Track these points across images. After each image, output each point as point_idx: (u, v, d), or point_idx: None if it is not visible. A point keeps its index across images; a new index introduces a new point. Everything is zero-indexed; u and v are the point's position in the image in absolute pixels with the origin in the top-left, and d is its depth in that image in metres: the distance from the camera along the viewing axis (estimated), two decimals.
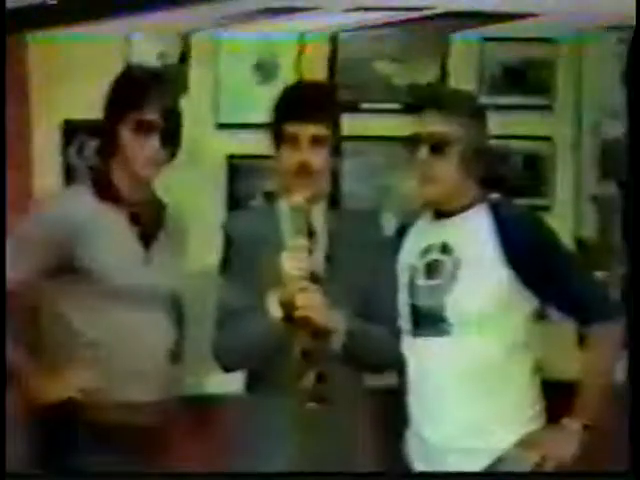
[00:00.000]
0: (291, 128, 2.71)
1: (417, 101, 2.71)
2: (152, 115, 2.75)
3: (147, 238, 2.83)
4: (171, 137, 2.79)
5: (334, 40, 3.59)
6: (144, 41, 3.46)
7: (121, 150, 2.78)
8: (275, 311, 2.63)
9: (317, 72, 3.56)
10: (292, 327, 2.61)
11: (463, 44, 3.62)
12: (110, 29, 3.19)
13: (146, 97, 2.75)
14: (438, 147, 2.64)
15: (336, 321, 2.65)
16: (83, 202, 2.78)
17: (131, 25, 3.24)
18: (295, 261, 2.60)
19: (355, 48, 3.60)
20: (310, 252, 2.63)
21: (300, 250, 2.62)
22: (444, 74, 3.63)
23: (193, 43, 3.52)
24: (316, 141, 2.71)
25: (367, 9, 3.21)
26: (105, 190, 2.80)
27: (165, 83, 2.87)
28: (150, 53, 3.46)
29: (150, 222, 2.84)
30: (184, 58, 3.53)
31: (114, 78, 2.86)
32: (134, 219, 2.81)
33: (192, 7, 3.11)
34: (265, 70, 3.57)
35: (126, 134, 2.76)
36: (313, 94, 2.78)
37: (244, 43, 3.53)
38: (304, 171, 2.70)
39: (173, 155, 2.83)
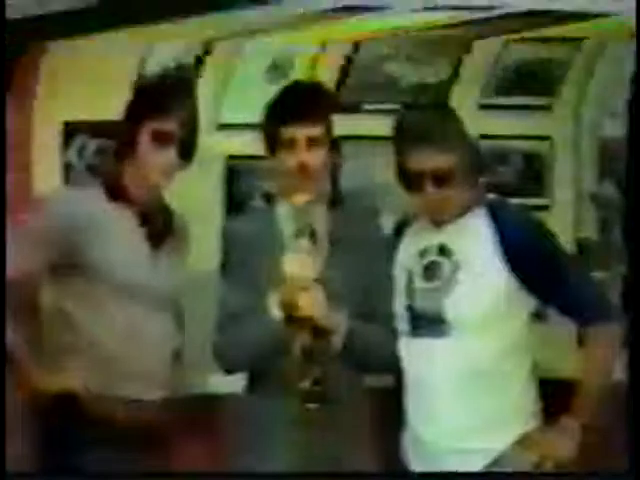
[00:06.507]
0: (287, 131, 2.70)
1: (407, 132, 2.68)
2: (171, 126, 2.74)
3: (155, 239, 2.82)
4: (188, 147, 2.78)
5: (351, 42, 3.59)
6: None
7: (136, 155, 2.76)
8: (275, 312, 2.63)
9: (330, 74, 3.56)
10: (293, 327, 2.62)
11: (464, 46, 3.63)
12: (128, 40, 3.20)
13: (168, 106, 2.74)
14: (442, 179, 2.63)
15: (337, 321, 2.66)
16: (93, 200, 2.77)
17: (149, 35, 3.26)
18: (297, 263, 2.61)
19: (373, 49, 3.59)
20: (311, 253, 2.64)
21: (302, 252, 2.62)
22: (445, 75, 3.64)
23: (211, 47, 3.52)
24: (313, 142, 2.71)
25: (435, 8, 3.18)
26: (116, 190, 2.79)
27: (187, 92, 2.87)
28: (164, 56, 3.45)
29: (158, 224, 2.84)
30: (200, 62, 3.53)
31: (138, 79, 2.85)
32: (143, 220, 2.81)
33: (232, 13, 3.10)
34: (279, 70, 3.57)
35: (144, 141, 2.74)
36: (305, 95, 2.77)
37: (261, 45, 3.54)
38: (303, 173, 2.70)
39: (187, 163, 2.81)
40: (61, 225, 2.71)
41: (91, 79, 3.35)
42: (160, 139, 2.74)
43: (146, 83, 2.88)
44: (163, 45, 3.43)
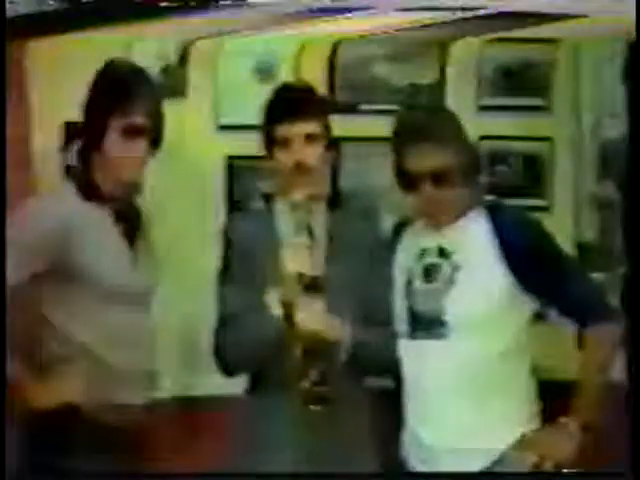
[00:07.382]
0: (282, 129, 2.72)
1: (406, 132, 2.69)
2: (140, 118, 2.71)
3: (131, 236, 2.80)
4: (157, 136, 2.76)
5: (334, 41, 3.60)
6: (144, 42, 3.46)
7: (105, 151, 2.73)
8: (276, 311, 2.63)
9: (316, 73, 3.57)
10: (292, 327, 2.62)
11: (462, 45, 3.63)
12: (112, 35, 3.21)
13: (134, 99, 2.70)
14: (440, 179, 2.63)
15: (340, 333, 2.65)
16: (68, 203, 2.74)
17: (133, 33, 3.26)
18: (295, 260, 2.61)
19: (354, 49, 3.61)
20: (310, 251, 2.64)
21: (300, 249, 2.62)
22: (443, 75, 3.65)
23: (193, 45, 3.52)
24: (309, 139, 2.72)
25: (421, 9, 3.19)
26: (88, 189, 2.75)
27: (151, 83, 2.83)
28: (150, 55, 3.46)
29: (132, 219, 2.83)
30: (184, 60, 3.54)
31: (96, 76, 2.80)
32: (118, 217, 2.78)
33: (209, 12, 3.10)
34: (265, 71, 3.58)
35: (112, 136, 2.71)
36: (299, 94, 2.80)
37: (245, 44, 3.54)
38: (300, 170, 2.71)
39: (157, 151, 2.78)
40: (44, 232, 2.67)
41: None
42: (130, 133, 2.71)
43: (107, 75, 2.80)
44: (144, 44, 3.44)
